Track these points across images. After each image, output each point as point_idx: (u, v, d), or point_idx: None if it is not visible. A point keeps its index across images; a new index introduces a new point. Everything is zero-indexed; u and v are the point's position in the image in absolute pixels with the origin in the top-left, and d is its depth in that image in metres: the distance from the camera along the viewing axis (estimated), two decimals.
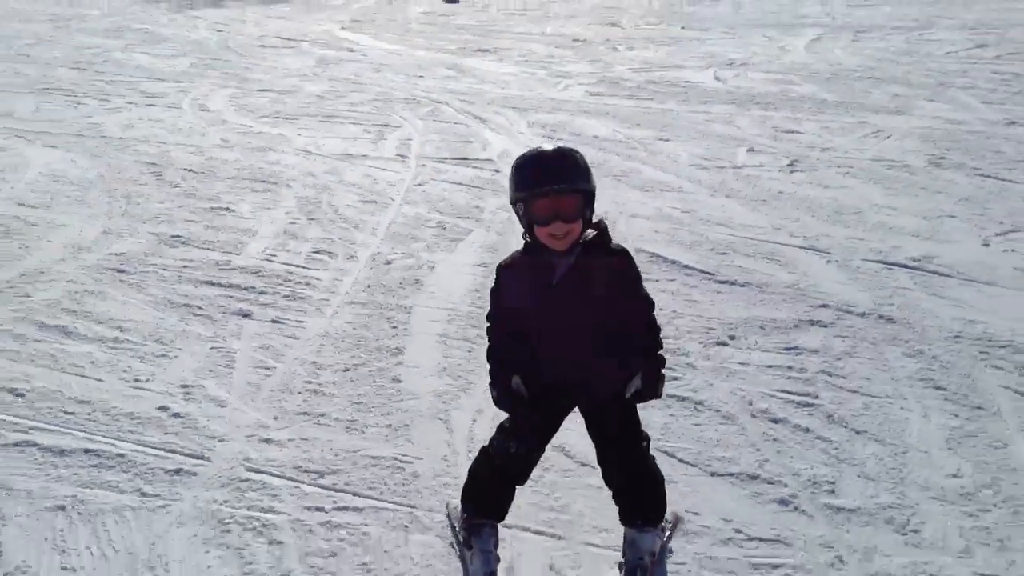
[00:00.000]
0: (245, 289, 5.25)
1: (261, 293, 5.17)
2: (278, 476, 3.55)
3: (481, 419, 3.86)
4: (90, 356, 4.44)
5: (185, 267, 5.54)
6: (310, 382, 4.25)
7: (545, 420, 2.91)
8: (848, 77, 10.47)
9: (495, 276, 2.87)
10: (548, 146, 2.75)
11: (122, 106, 9.60)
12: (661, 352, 2.83)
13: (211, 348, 4.54)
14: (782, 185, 6.92)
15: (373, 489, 3.46)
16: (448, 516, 3.25)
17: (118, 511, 3.35)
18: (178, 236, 6.03)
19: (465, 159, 7.81)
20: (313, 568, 3.07)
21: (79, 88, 10.41)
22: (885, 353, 4.41)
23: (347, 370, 4.36)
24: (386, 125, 8.89)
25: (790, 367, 4.30)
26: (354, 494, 3.44)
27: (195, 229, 6.17)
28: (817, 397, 4.07)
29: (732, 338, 4.59)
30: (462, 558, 3.04)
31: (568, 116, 9.09)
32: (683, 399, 4.03)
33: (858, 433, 3.80)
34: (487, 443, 3.00)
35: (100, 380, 4.24)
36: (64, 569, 3.08)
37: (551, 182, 2.62)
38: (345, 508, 3.37)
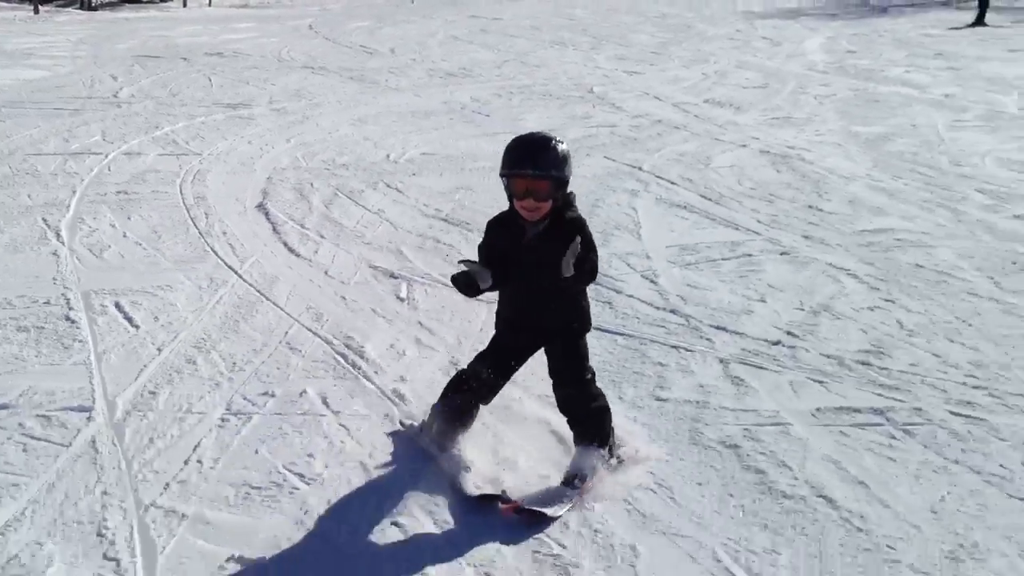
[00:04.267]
0: None
1: None
2: None
3: None
4: None
5: None
6: None
7: (514, 354, 3.96)
8: None
9: (486, 227, 3.82)
10: (538, 133, 3.66)
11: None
12: (594, 270, 3.64)
13: None
14: None
15: None
16: (420, 429, 4.21)
17: None
18: None
19: None
20: None
21: None
22: None
23: None
24: None
25: None
26: None
27: None
28: None
29: None
30: (436, 459, 3.95)
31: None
32: None
33: None
34: (465, 367, 4.06)
35: None
36: None
37: (528, 167, 3.51)
38: None
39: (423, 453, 4.05)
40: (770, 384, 4.76)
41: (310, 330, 5.48)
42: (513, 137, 3.67)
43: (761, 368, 4.94)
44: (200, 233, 7.38)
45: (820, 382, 4.77)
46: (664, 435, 4.26)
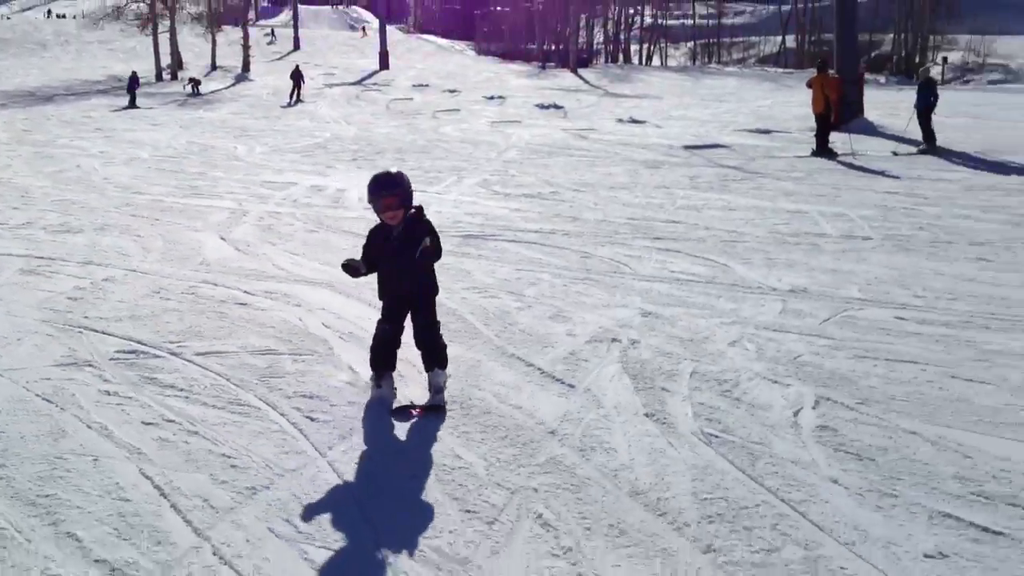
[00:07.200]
0: None
1: None
2: None
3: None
4: None
5: None
6: None
7: (396, 312, 6.04)
8: None
9: (368, 233, 5.97)
10: (382, 171, 5.78)
11: None
12: (438, 251, 5.81)
13: None
14: None
15: None
16: (371, 380, 6.25)
17: None
18: None
19: None
20: None
21: None
22: None
23: None
24: None
25: None
26: None
27: None
28: None
29: None
30: (375, 394, 6.15)
31: None
32: None
33: None
34: (375, 329, 6.13)
35: None
36: None
37: (381, 191, 5.67)
38: None
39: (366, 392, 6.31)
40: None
41: None
42: (370, 176, 5.84)
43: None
44: None
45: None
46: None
